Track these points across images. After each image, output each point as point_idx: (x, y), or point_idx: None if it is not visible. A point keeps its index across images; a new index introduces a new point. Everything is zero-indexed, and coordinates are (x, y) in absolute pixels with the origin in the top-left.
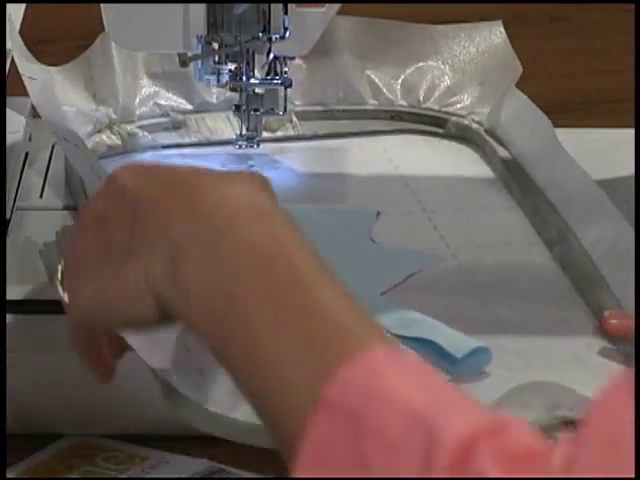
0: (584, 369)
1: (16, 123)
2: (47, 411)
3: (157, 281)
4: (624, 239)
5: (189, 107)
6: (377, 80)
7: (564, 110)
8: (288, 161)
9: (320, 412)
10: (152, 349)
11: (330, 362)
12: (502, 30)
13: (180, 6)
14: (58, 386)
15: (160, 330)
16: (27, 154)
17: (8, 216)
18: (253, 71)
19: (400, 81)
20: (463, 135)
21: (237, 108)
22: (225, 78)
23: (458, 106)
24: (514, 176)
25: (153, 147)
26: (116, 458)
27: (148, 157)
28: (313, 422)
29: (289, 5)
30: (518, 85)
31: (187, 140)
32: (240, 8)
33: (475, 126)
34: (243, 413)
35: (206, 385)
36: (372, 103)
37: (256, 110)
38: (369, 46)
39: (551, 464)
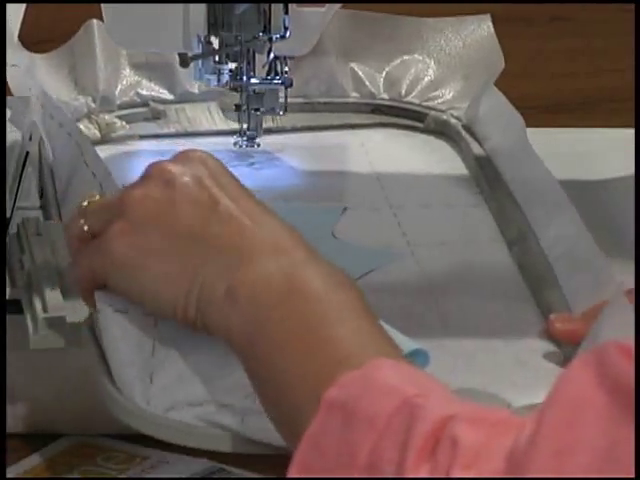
0: (525, 372)
1: (17, 122)
2: (47, 411)
3: (205, 289)
4: (581, 241)
5: (170, 97)
6: (360, 73)
7: (566, 110)
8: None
9: (320, 410)
10: (127, 335)
11: (333, 374)
12: (490, 24)
13: (180, 6)
14: (58, 386)
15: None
16: (27, 153)
17: (8, 215)
18: (254, 71)
19: (384, 74)
20: (442, 130)
21: (238, 108)
22: (225, 78)
23: (439, 101)
24: (485, 173)
25: (131, 138)
26: (116, 458)
27: (127, 148)
28: (314, 419)
29: (289, 5)
30: (519, 84)
31: (165, 131)
32: (240, 8)
33: (453, 121)
34: (181, 414)
35: (150, 389)
36: (354, 96)
37: (257, 110)
38: (355, 39)
39: (525, 429)
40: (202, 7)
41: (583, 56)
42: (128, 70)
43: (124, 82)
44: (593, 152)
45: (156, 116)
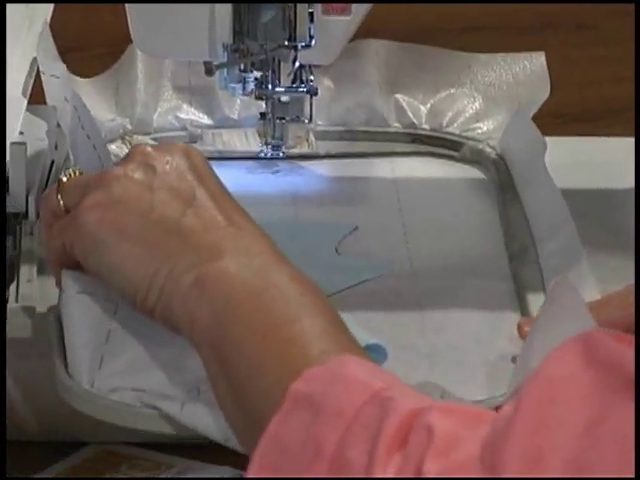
0: (490, 374)
1: (43, 131)
2: (71, 419)
3: (172, 278)
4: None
5: (209, 122)
6: (404, 104)
7: (590, 118)
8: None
9: (284, 404)
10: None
11: (299, 368)
12: (543, 61)
13: (206, 14)
14: None
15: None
16: (53, 162)
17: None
18: (279, 79)
19: (428, 106)
20: (477, 159)
21: (263, 116)
22: (251, 86)
23: (479, 131)
24: (507, 204)
25: None
26: (141, 466)
27: None
28: (277, 414)
29: (315, 13)
30: None
31: None
32: (266, 16)
33: (488, 150)
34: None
35: (97, 373)
36: (395, 126)
37: (282, 118)
38: (402, 71)
39: (496, 418)
40: (228, 15)
41: (607, 64)
42: (170, 93)
43: (164, 105)
44: (616, 161)
45: (193, 140)
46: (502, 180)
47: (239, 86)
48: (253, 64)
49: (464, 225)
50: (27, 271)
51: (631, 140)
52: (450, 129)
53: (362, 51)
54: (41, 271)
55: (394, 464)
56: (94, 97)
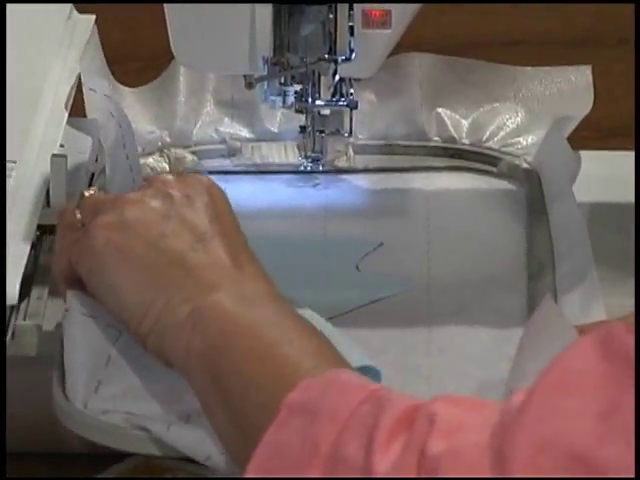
0: (487, 398)
1: (84, 144)
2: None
3: (169, 309)
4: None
5: (249, 135)
6: (446, 118)
7: (630, 133)
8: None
9: (279, 414)
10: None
11: (293, 382)
12: (589, 74)
13: (246, 27)
14: None
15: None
16: (93, 175)
17: None
18: (319, 92)
19: (470, 120)
20: (513, 174)
21: (302, 130)
22: (291, 99)
23: (518, 146)
24: (535, 222)
25: (198, 172)
26: (181, 479)
27: None
28: (272, 423)
29: (355, 27)
30: None
31: (232, 168)
32: (306, 29)
33: (525, 166)
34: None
35: (92, 396)
36: (434, 140)
37: (321, 132)
38: (445, 84)
39: (506, 407)
40: (268, 28)
41: None
42: (212, 107)
43: (205, 118)
44: None
45: (232, 153)
46: (534, 196)
47: (279, 99)
48: (293, 77)
49: (490, 242)
50: (39, 288)
51: None
52: (490, 144)
53: (404, 64)
54: (53, 290)
55: (394, 451)
56: (135, 108)
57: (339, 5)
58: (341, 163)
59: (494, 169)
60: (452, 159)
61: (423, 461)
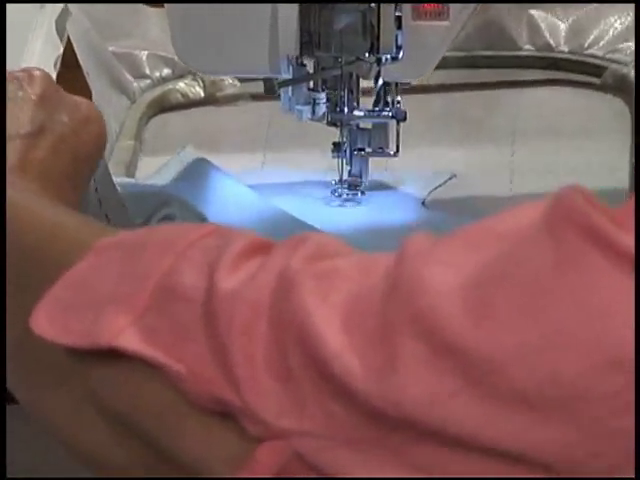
0: None
1: None
2: None
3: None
4: None
5: None
6: (539, 21)
7: None
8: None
9: (87, 255)
10: None
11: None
12: None
13: (266, 19)
14: None
15: None
16: None
17: None
18: (357, 101)
19: (570, 22)
20: (619, 86)
21: (337, 147)
22: (322, 109)
23: (628, 52)
24: None
25: (241, 97)
26: None
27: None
28: (76, 264)
29: (403, 17)
30: None
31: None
32: (342, 21)
33: (633, 75)
34: None
35: None
36: (526, 49)
37: (361, 150)
38: None
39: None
40: (293, 23)
41: None
42: None
43: None
44: None
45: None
46: None
47: (307, 109)
48: (325, 82)
49: (590, 174)
50: None
51: None
52: (593, 50)
53: None
54: None
55: (244, 270)
56: (162, 26)
57: None
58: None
59: (597, 80)
60: (547, 71)
61: (283, 279)
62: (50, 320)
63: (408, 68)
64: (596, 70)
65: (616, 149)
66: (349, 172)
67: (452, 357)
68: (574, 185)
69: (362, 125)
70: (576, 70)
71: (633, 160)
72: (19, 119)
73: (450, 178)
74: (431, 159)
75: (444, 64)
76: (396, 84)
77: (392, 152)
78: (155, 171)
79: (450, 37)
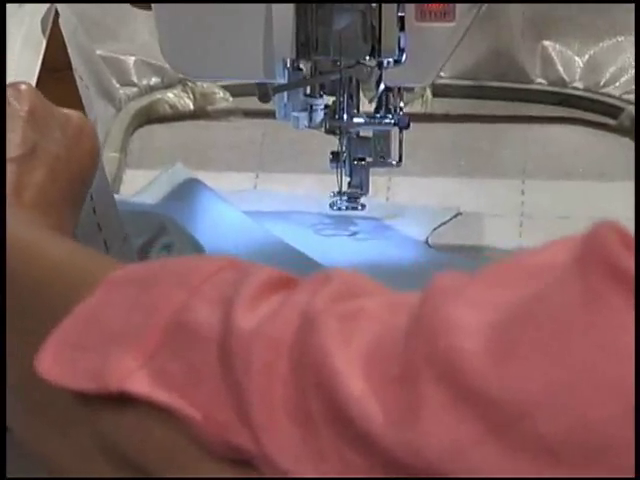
0: None
1: None
2: None
3: None
4: None
5: None
6: (554, 54)
7: None
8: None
9: (97, 290)
10: None
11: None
12: None
13: (260, 22)
14: None
15: None
16: None
17: None
18: (357, 107)
19: (586, 57)
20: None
21: (335, 157)
22: (320, 116)
23: None
24: None
25: (232, 113)
26: None
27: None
28: (82, 302)
29: (406, 18)
30: None
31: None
32: (341, 22)
33: None
34: None
35: None
36: (538, 82)
37: (361, 159)
38: (554, 10)
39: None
40: (289, 24)
41: None
42: None
43: None
44: None
45: (262, 97)
46: None
47: (304, 115)
48: (323, 87)
49: (599, 218)
50: None
51: None
52: (610, 89)
53: None
54: None
55: (264, 307)
56: (151, 31)
57: None
58: (415, 108)
59: (612, 121)
60: (560, 107)
61: (306, 319)
62: (57, 361)
63: (412, 72)
64: (612, 110)
65: (632, 197)
66: (348, 183)
67: (475, 402)
68: (609, 222)
69: (362, 133)
70: (590, 109)
71: None
72: (10, 140)
73: (456, 215)
74: (435, 191)
75: (450, 92)
76: (399, 89)
77: (394, 162)
78: (143, 187)
79: (456, 39)
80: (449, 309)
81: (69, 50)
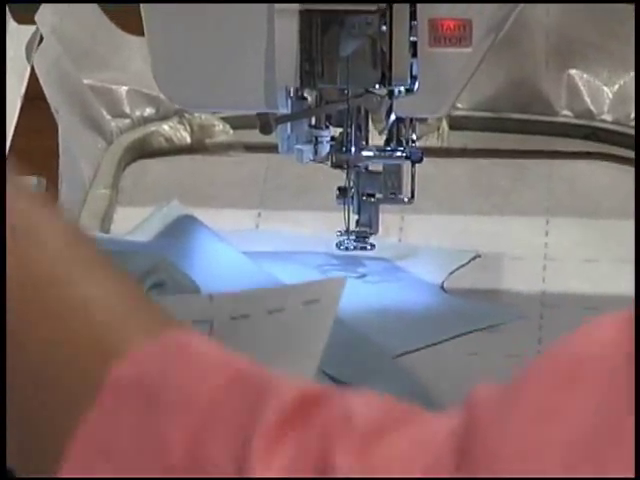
0: None
1: None
2: None
3: None
4: None
5: None
6: (581, 84)
7: None
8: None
9: (101, 395)
10: None
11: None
12: None
13: (261, 48)
14: None
15: None
16: None
17: None
18: (366, 139)
19: (616, 87)
20: None
21: (342, 192)
22: (325, 149)
23: None
24: None
25: (233, 147)
26: None
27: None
28: (90, 411)
29: (419, 44)
30: None
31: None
32: (348, 48)
33: None
34: None
35: None
36: (564, 115)
37: (370, 196)
38: (580, 36)
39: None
40: (292, 50)
41: None
42: None
43: None
44: None
45: (263, 128)
46: None
47: (309, 148)
48: (329, 118)
49: (629, 260)
50: None
51: None
52: None
53: (526, 10)
54: None
55: (283, 456)
56: (145, 58)
57: (395, 11)
58: (431, 142)
59: None
60: (586, 141)
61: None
62: None
63: (424, 102)
64: None
65: None
66: (357, 222)
67: None
68: None
69: (372, 167)
70: (620, 143)
71: None
72: None
73: (474, 258)
74: (451, 231)
75: (468, 125)
76: (411, 120)
77: (406, 199)
78: (135, 226)
79: (473, 66)
80: (501, 446)
81: (43, 83)
